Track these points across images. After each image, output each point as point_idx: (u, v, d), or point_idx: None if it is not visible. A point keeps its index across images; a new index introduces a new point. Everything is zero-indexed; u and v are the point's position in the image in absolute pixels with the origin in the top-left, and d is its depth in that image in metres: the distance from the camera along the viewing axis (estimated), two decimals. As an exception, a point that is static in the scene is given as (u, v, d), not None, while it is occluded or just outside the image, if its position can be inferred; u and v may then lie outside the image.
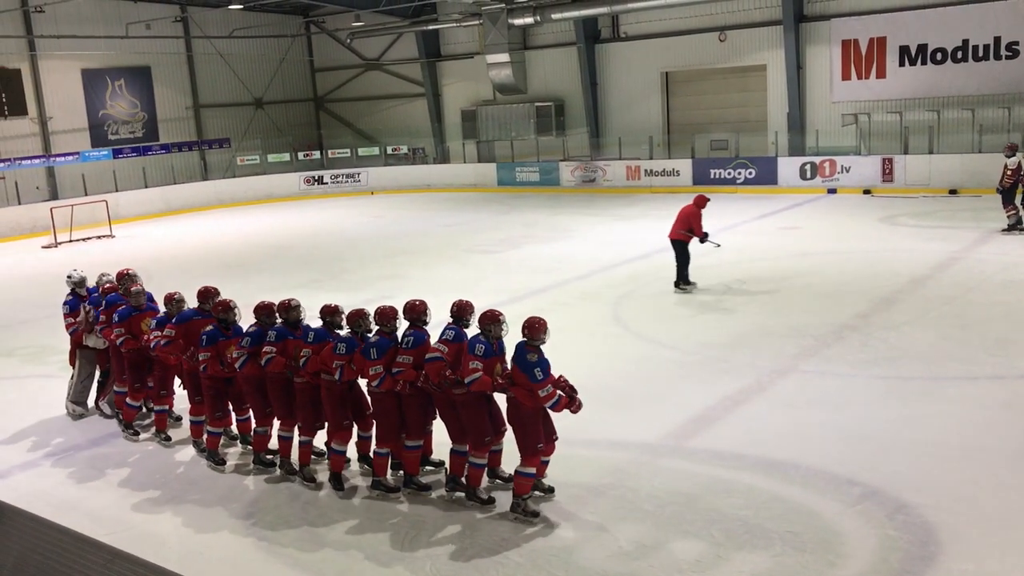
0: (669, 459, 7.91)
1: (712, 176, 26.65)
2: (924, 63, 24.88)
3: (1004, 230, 16.82)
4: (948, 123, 24.08)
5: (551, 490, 7.21)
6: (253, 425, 8.33)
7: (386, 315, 7.45)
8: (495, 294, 14.00)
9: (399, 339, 7.37)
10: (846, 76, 26.11)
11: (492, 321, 7.01)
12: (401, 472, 7.62)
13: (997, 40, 23.76)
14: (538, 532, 6.68)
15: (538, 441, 6.83)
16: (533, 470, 6.85)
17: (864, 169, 24.13)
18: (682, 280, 14.13)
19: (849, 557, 6.10)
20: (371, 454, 7.67)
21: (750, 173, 26.00)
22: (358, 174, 33.11)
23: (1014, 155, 16.71)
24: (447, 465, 7.44)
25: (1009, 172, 16.65)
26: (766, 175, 25.70)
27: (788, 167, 25.42)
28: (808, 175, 24.98)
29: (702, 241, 13.97)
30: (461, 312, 7.33)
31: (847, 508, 6.75)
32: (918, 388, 9.24)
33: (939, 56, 24.63)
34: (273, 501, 7.62)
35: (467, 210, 26.34)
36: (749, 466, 7.59)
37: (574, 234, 20.73)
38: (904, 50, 25.08)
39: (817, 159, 24.98)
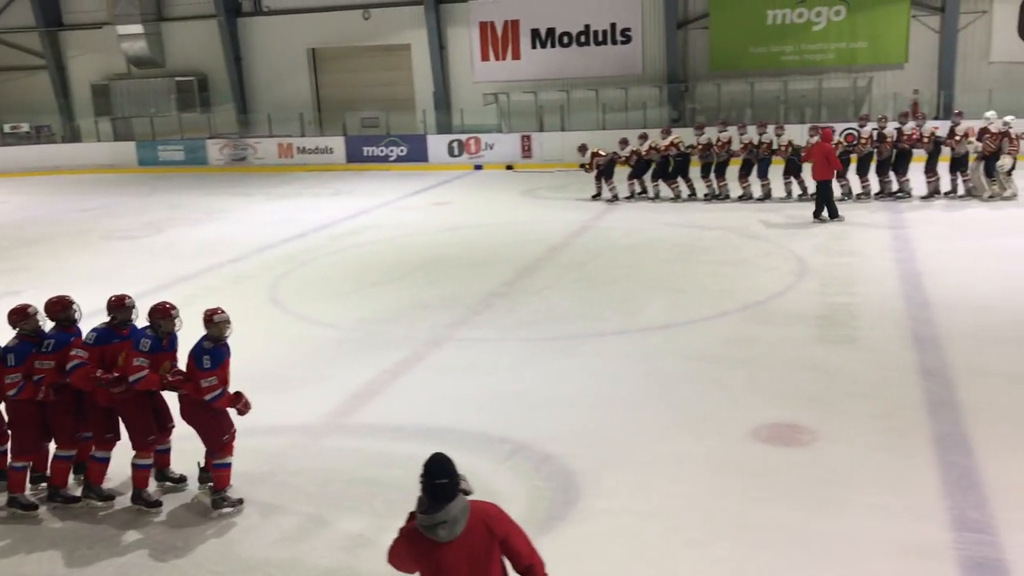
0: (330, 438, 7.94)
1: (365, 153, 26.88)
2: (554, 46, 26.90)
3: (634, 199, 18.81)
4: (576, 103, 26.26)
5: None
6: None
7: (21, 314, 6.73)
8: (140, 282, 13.12)
9: (41, 342, 6.70)
10: (485, 57, 27.50)
11: (163, 316, 6.58)
12: (44, 485, 6.97)
13: (613, 26, 26.33)
14: (198, 530, 6.42)
15: (223, 433, 6.59)
16: (229, 458, 6.63)
17: (506, 146, 25.63)
18: (834, 214, 15.63)
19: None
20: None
21: (402, 151, 26.57)
22: (-31, 156, 29.29)
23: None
24: (85, 474, 6.90)
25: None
26: (417, 152, 26.41)
27: (437, 144, 26.32)
28: (456, 152, 26.03)
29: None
30: (113, 308, 6.77)
31: (499, 465, 7.21)
32: (558, 347, 10.06)
33: (566, 39, 26.76)
34: None
35: (104, 193, 24.32)
36: (409, 436, 7.83)
37: (226, 215, 19.94)
38: (535, 33, 26.94)
39: (463, 136, 26.12)
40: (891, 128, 16.97)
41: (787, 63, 25.05)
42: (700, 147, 18.14)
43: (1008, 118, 16.76)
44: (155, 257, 15.81)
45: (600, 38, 26.44)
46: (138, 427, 6.66)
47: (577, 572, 5.76)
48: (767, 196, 17.80)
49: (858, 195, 17.35)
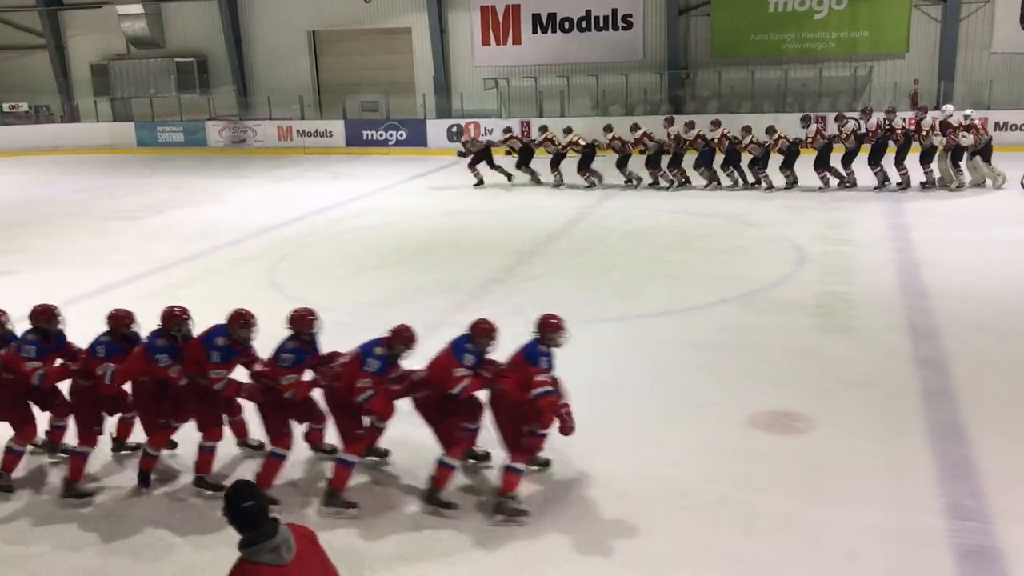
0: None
1: (365, 138, 26.85)
2: (554, 31, 26.81)
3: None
4: (576, 88, 26.20)
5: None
6: None
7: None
8: (138, 264, 13.18)
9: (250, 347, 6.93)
10: (486, 42, 27.42)
11: (484, 335, 6.59)
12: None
13: (615, 12, 26.24)
14: (199, 511, 6.46)
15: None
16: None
17: (506, 131, 25.55)
18: None
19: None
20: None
21: (401, 135, 26.53)
22: (-33, 135, 29.21)
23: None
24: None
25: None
26: (416, 137, 26.37)
27: (436, 129, 26.27)
28: (455, 137, 25.96)
29: None
30: (394, 339, 6.79)
31: (495, 449, 7.20)
32: (556, 333, 10.06)
33: (567, 25, 26.67)
34: None
35: (103, 173, 24.29)
36: (405, 419, 7.76)
37: (226, 197, 19.94)
38: (536, 18, 26.85)
39: (463, 121, 26.04)
40: (874, 121, 17.11)
41: (788, 51, 25.00)
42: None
43: (968, 111, 16.89)
44: (155, 239, 15.79)
45: (601, 24, 26.37)
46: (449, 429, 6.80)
47: (573, 557, 5.81)
48: (762, 184, 17.84)
49: (846, 185, 17.42)
